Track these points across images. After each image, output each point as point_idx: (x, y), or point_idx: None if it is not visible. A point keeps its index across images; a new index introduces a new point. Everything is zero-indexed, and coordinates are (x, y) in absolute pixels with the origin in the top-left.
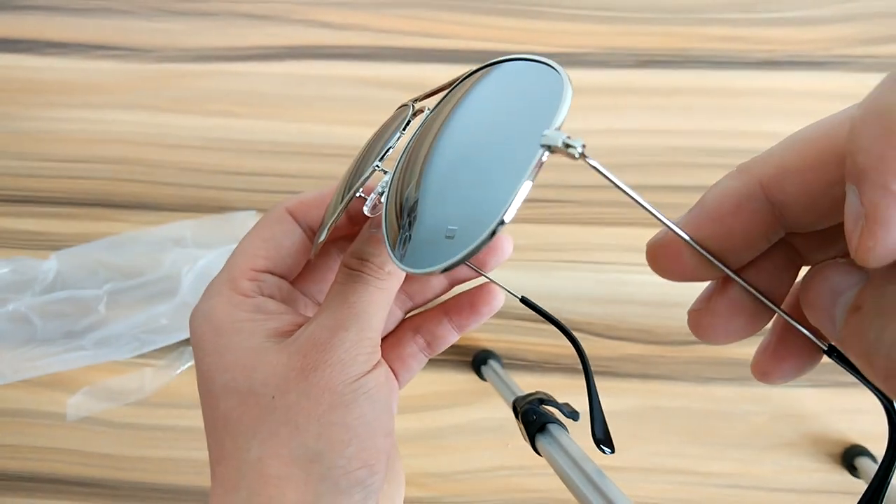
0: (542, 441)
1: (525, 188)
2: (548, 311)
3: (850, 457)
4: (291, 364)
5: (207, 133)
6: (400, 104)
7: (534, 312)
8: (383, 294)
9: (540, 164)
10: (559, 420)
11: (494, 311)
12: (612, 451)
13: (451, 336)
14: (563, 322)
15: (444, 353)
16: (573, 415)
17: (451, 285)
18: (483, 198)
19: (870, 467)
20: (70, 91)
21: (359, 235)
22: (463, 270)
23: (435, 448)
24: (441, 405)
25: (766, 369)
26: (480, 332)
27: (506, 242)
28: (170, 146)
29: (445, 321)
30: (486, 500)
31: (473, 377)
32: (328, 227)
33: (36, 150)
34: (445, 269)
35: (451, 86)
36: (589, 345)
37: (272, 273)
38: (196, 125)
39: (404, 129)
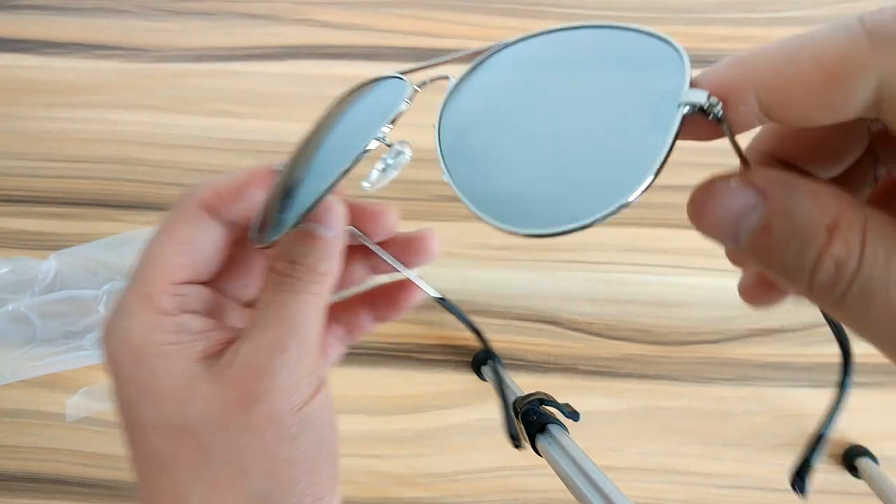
0: (542, 441)
1: (669, 146)
2: (464, 313)
3: (850, 457)
4: (228, 395)
5: (208, 133)
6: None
7: (534, 312)
8: (320, 300)
9: (682, 123)
10: (559, 420)
11: (414, 305)
12: (520, 447)
13: (369, 326)
14: (477, 325)
15: (443, 353)
16: (573, 415)
17: (368, 275)
18: (617, 160)
19: (871, 468)
20: (70, 91)
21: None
22: (386, 264)
23: (434, 448)
24: (441, 405)
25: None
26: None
27: (433, 242)
28: (170, 146)
29: (364, 312)
30: (485, 501)
31: (473, 377)
32: (296, 220)
33: (36, 149)
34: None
35: (484, 52)
36: (588, 344)
37: (193, 283)
38: (196, 125)
39: (410, 100)
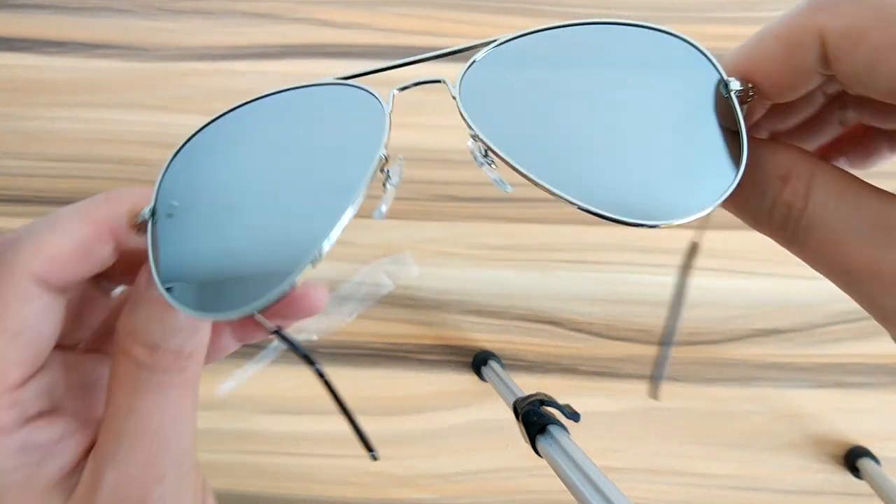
0: (542, 442)
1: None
2: (304, 347)
3: (852, 458)
4: None
5: None
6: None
7: (534, 312)
8: (191, 392)
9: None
10: (560, 421)
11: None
12: (376, 458)
13: (231, 347)
14: (317, 363)
15: (443, 353)
16: (574, 416)
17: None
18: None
19: (873, 469)
20: (70, 90)
21: (132, 301)
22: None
23: (435, 449)
24: (441, 406)
25: None
26: (480, 332)
27: (319, 299)
28: (170, 145)
29: (228, 331)
30: (486, 502)
31: (474, 378)
32: (283, 290)
33: (35, 149)
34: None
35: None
36: (589, 345)
37: (35, 374)
38: (196, 124)
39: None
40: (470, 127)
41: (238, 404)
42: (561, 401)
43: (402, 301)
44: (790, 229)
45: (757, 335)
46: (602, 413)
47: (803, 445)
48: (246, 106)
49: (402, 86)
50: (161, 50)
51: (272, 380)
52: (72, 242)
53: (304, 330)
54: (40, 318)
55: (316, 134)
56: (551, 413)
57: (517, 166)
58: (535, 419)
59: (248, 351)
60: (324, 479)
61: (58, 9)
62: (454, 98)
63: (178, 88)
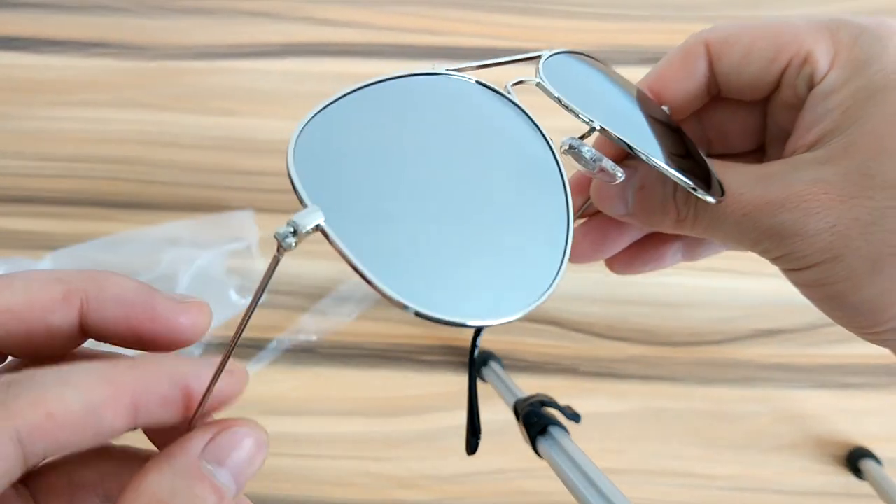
0: (543, 443)
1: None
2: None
3: (854, 459)
4: None
5: (206, 131)
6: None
7: (535, 313)
8: None
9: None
10: (560, 422)
11: None
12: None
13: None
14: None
15: (443, 354)
16: (574, 417)
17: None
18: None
19: (875, 470)
20: (68, 89)
21: (167, 463)
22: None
23: (435, 450)
24: (441, 407)
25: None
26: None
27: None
28: (168, 145)
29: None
30: (486, 503)
31: None
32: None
33: (33, 149)
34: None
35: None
36: (590, 345)
37: None
38: (195, 123)
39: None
40: (589, 122)
41: (238, 405)
42: (562, 402)
43: None
44: (691, 205)
45: (758, 335)
46: (603, 414)
47: (805, 446)
48: (359, 92)
49: (513, 81)
50: (159, 49)
51: (272, 380)
52: (81, 402)
53: (303, 330)
54: None
55: (465, 130)
56: (552, 414)
57: (632, 144)
58: (535, 420)
59: (249, 351)
60: (324, 479)
61: (56, 7)
62: (555, 97)
63: (178, 87)
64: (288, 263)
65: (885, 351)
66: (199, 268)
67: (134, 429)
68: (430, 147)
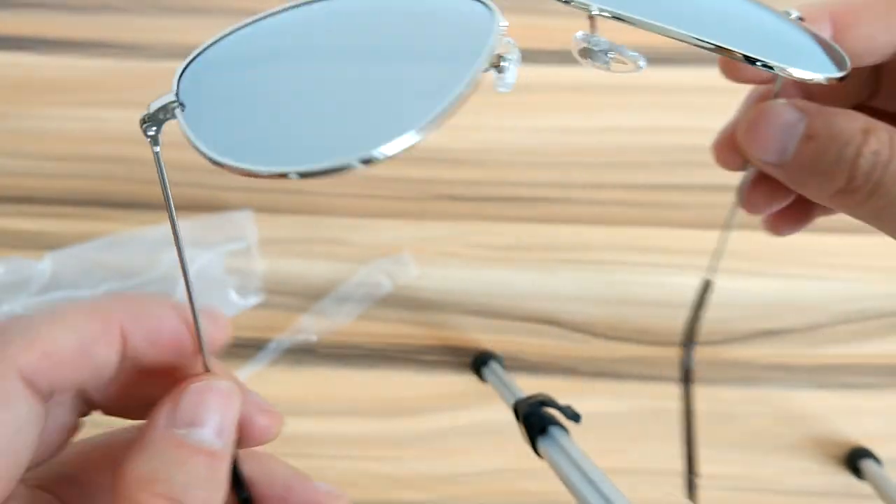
0: (543, 443)
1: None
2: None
3: (854, 459)
4: None
5: None
6: None
7: (535, 312)
8: None
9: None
10: (560, 422)
11: None
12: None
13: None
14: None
15: (443, 354)
16: (575, 417)
17: None
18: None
19: (875, 470)
20: (67, 89)
21: (146, 444)
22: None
23: (435, 450)
24: (441, 407)
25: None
26: (481, 333)
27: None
28: (168, 145)
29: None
30: (486, 503)
31: (474, 379)
32: None
33: (31, 148)
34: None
35: None
36: (590, 346)
37: None
38: None
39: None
40: (585, 6)
41: None
42: (562, 402)
43: (402, 301)
44: (875, 178)
45: (759, 336)
46: (603, 414)
47: (805, 447)
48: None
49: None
50: (159, 48)
51: (272, 380)
52: (74, 339)
53: (303, 330)
54: (20, 428)
55: (405, 32)
56: (552, 414)
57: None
58: (535, 420)
59: (249, 351)
60: (323, 479)
61: (55, 7)
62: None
63: None
64: (288, 263)
65: (887, 351)
66: (198, 268)
67: (121, 382)
68: (339, 40)
